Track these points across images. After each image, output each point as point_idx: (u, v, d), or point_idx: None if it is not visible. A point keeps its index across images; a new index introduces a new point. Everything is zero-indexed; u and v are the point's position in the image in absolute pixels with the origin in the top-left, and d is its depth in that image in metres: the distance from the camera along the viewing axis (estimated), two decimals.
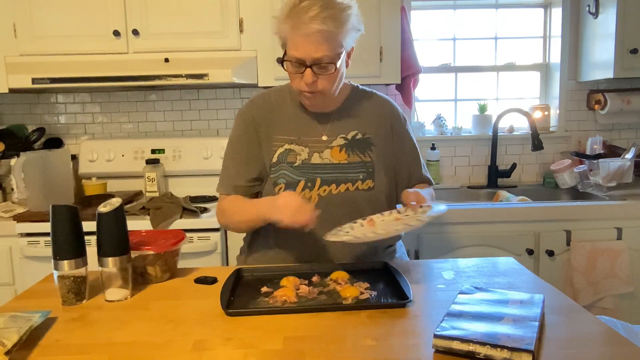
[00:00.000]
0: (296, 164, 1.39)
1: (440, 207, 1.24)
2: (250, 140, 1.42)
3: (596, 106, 2.65)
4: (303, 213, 1.19)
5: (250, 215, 1.35)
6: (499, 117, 2.60)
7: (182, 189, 2.48)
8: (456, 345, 0.84)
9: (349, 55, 1.34)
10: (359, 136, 1.43)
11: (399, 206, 1.37)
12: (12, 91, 2.24)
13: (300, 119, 1.42)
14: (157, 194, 2.37)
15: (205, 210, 2.09)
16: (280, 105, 1.44)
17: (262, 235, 1.45)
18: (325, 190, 1.38)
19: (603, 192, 2.33)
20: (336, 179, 1.38)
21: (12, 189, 2.24)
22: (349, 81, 1.47)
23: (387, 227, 1.22)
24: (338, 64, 1.27)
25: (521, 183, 2.72)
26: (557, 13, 2.69)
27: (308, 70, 1.26)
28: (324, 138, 1.41)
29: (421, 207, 1.27)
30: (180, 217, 2.00)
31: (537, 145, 2.44)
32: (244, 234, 1.54)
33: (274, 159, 1.40)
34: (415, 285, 1.17)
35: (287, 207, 1.21)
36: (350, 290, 1.11)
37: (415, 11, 2.72)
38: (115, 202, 1.14)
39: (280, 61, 1.30)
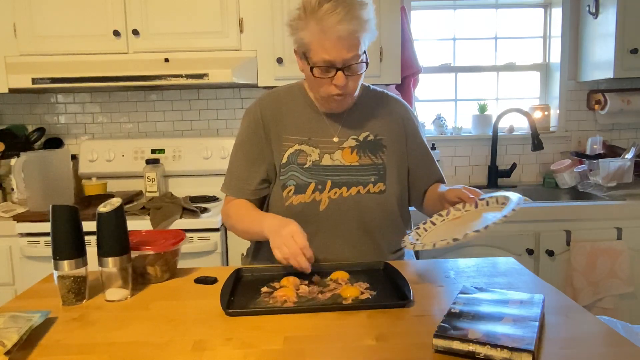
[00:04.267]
0: (306, 166, 1.37)
1: (515, 196, 1.17)
2: (259, 141, 1.40)
3: (596, 106, 2.65)
4: (300, 259, 1.15)
5: (255, 229, 1.32)
6: (499, 117, 2.61)
7: (182, 189, 2.48)
8: (456, 345, 0.84)
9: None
10: (371, 137, 1.40)
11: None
12: (12, 91, 2.24)
13: (311, 119, 1.40)
14: (157, 194, 2.37)
15: (205, 210, 2.09)
16: (290, 105, 1.42)
17: (267, 243, 1.44)
18: (335, 192, 1.36)
19: (603, 192, 2.33)
20: (347, 181, 1.36)
21: (12, 189, 2.24)
22: None
23: (460, 229, 1.16)
24: (367, 63, 1.28)
25: (521, 183, 2.72)
26: (557, 13, 2.69)
27: (340, 72, 1.25)
28: (335, 139, 1.39)
29: (481, 199, 1.22)
30: (180, 217, 2.00)
31: (537, 145, 2.44)
32: None
33: (284, 160, 1.38)
34: (415, 285, 1.17)
35: (289, 243, 1.17)
36: (350, 290, 1.11)
37: (415, 11, 2.72)
38: (115, 202, 1.13)
39: (310, 68, 1.27)
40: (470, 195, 1.23)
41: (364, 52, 1.27)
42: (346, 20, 1.19)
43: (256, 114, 1.41)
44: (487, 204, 1.22)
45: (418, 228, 1.28)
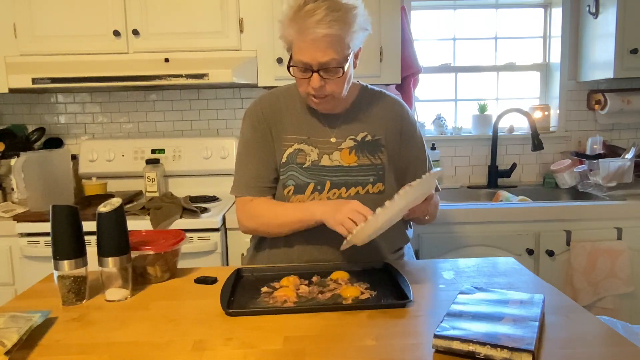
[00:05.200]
0: (305, 165, 1.37)
1: (436, 169, 1.17)
2: (265, 139, 1.40)
3: (596, 106, 2.65)
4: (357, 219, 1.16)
5: (300, 217, 1.30)
6: (499, 117, 2.60)
7: (182, 189, 2.48)
8: (456, 345, 0.84)
9: (356, 56, 1.31)
10: (369, 138, 1.40)
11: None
12: (12, 91, 2.24)
13: (308, 119, 1.40)
14: (157, 194, 2.37)
15: (205, 210, 2.09)
16: (288, 105, 1.42)
17: (267, 243, 1.44)
18: (335, 193, 1.36)
19: (603, 192, 2.33)
20: (346, 182, 1.36)
21: (12, 189, 2.24)
22: (357, 81, 1.44)
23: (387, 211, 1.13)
24: (346, 68, 1.24)
25: (521, 183, 2.72)
26: (557, 13, 2.69)
27: (315, 75, 1.23)
28: (333, 140, 1.39)
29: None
30: (180, 217, 2.00)
31: (537, 145, 2.44)
32: (249, 235, 1.53)
33: (284, 159, 1.38)
34: (415, 285, 1.17)
35: (356, 216, 1.16)
36: (350, 290, 1.11)
37: (415, 11, 2.72)
38: (115, 202, 1.14)
39: (287, 66, 1.27)
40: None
41: (347, 56, 1.24)
42: (324, 23, 1.17)
43: (258, 114, 1.41)
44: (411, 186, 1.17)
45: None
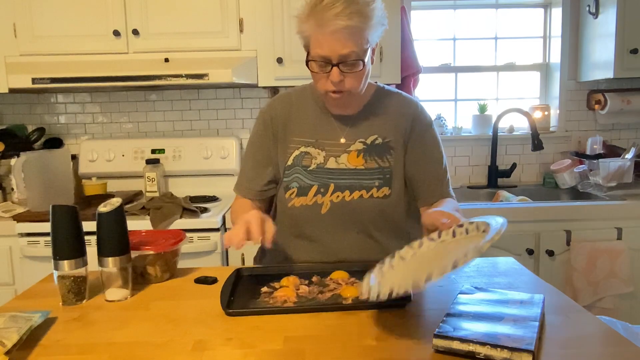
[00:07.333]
0: (310, 168, 1.35)
1: (497, 221, 0.95)
2: (267, 142, 1.39)
3: (596, 106, 2.65)
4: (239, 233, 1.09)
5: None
6: (499, 117, 2.61)
7: (182, 189, 2.48)
8: (456, 345, 0.84)
9: (373, 51, 1.27)
10: (379, 141, 1.35)
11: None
12: (12, 91, 2.24)
13: (319, 121, 1.37)
14: (157, 194, 2.37)
15: (205, 210, 2.09)
16: (300, 106, 1.39)
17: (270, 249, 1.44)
18: (338, 196, 1.33)
19: (603, 192, 2.33)
20: (350, 185, 1.33)
21: (12, 189, 2.24)
22: (375, 82, 1.41)
23: (430, 266, 0.94)
24: (365, 61, 1.22)
25: (521, 183, 2.72)
26: (557, 13, 2.69)
27: (335, 68, 1.20)
28: (342, 141, 1.35)
29: (461, 226, 1.04)
30: (180, 217, 2.00)
31: (537, 145, 2.44)
32: None
33: (289, 162, 1.36)
34: None
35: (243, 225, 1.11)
36: (350, 290, 1.11)
37: (415, 11, 2.72)
38: (115, 202, 1.13)
39: (306, 61, 1.25)
40: (444, 220, 1.06)
41: (366, 50, 1.22)
42: (344, 15, 1.16)
43: (266, 116, 1.40)
44: (467, 232, 1.04)
45: (383, 263, 1.06)
